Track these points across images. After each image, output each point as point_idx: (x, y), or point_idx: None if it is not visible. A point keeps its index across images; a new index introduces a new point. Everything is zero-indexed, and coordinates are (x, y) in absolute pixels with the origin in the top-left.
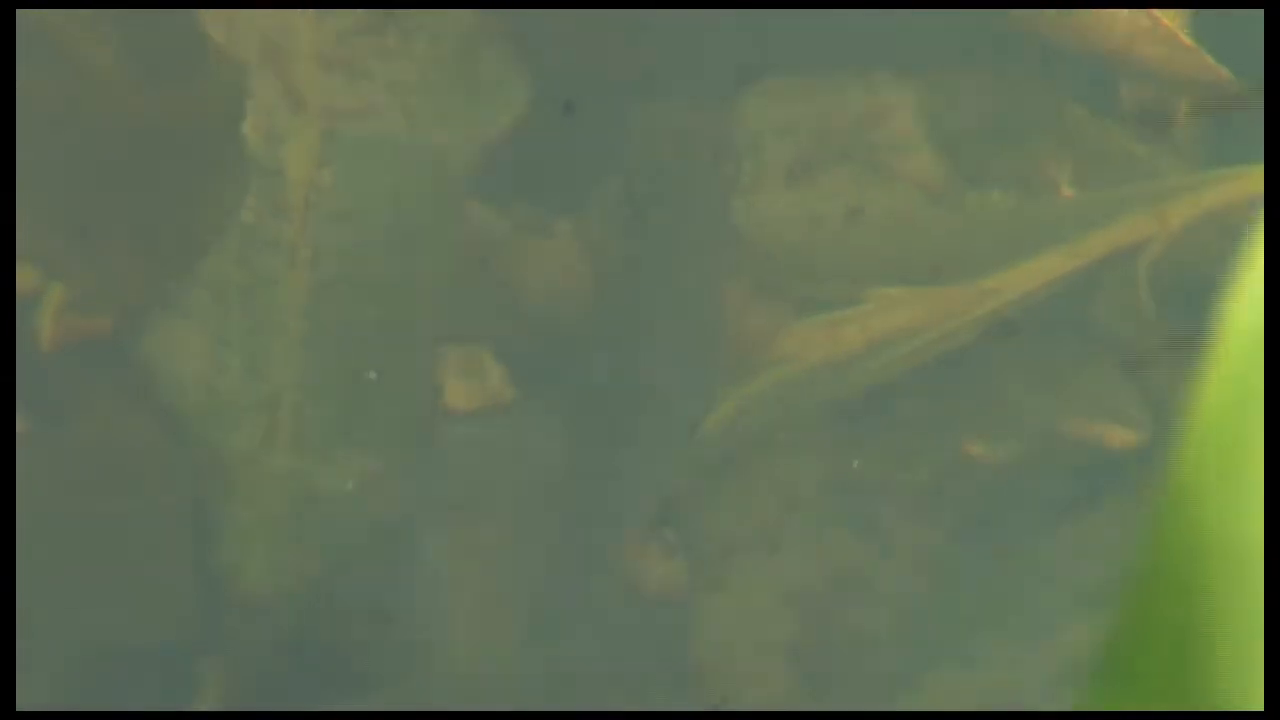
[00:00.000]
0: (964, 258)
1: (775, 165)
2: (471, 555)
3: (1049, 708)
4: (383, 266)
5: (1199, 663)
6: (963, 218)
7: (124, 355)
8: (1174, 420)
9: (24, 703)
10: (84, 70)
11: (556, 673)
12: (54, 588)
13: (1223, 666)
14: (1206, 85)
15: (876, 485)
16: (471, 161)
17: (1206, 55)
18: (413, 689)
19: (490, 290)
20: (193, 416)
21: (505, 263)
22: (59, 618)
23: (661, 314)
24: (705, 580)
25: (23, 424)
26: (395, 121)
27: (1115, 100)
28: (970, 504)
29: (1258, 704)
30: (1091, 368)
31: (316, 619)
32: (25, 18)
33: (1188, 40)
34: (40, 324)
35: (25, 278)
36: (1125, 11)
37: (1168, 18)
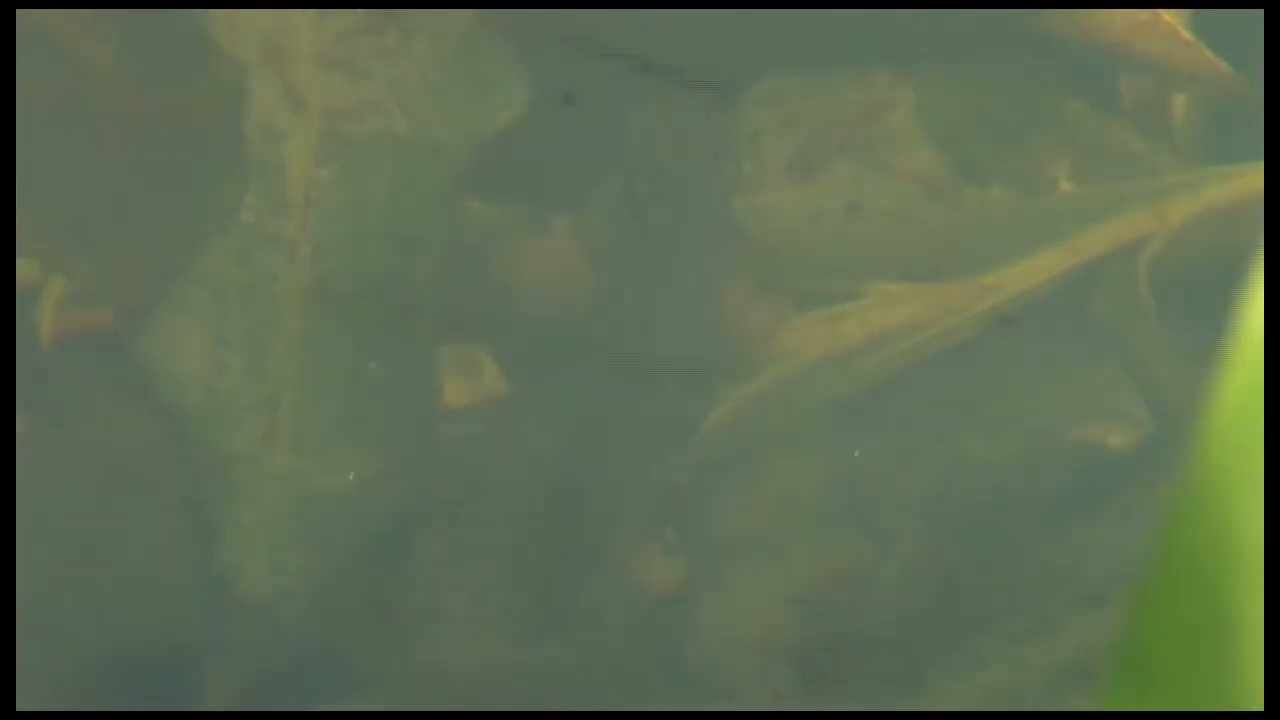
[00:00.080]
0: (964, 254)
1: (775, 161)
2: (470, 554)
3: (1050, 708)
4: (382, 265)
5: (1216, 660)
6: (962, 214)
7: (124, 355)
8: (1173, 419)
9: (24, 703)
10: (84, 70)
11: (555, 672)
12: (54, 588)
13: (1239, 664)
14: (1206, 80)
15: (876, 484)
16: (471, 160)
17: (1206, 50)
18: (412, 689)
19: (488, 287)
20: (193, 416)
21: (503, 260)
22: (59, 618)
23: (660, 311)
24: (705, 579)
25: (23, 423)
26: (395, 120)
27: (1115, 96)
28: (970, 504)
29: (1257, 704)
30: (1091, 365)
31: (317, 619)
32: (25, 18)
33: (1187, 35)
34: (40, 318)
35: (25, 272)
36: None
37: (1168, 13)
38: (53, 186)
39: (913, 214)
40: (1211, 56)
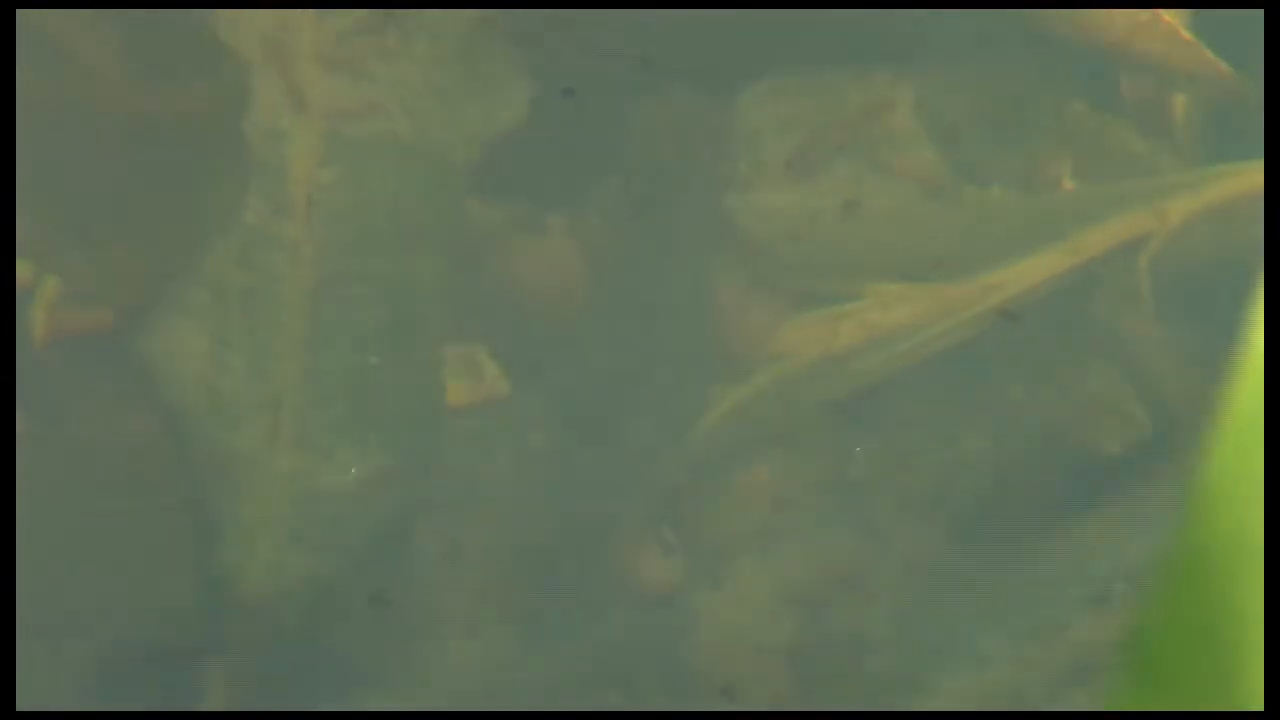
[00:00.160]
0: (963, 253)
1: (774, 160)
2: (469, 553)
3: (1050, 708)
4: (384, 265)
5: (1227, 661)
6: (962, 213)
7: (126, 354)
8: (1172, 418)
9: (24, 703)
10: (84, 70)
11: (554, 671)
12: (55, 587)
13: (1250, 666)
14: (1206, 80)
15: (876, 484)
16: (472, 160)
17: (1206, 50)
18: (412, 688)
19: (487, 286)
20: (194, 416)
21: (502, 259)
22: (59, 618)
23: (659, 310)
24: (703, 578)
25: (23, 423)
26: (396, 121)
27: (1115, 96)
28: (970, 503)
29: (1258, 704)
30: (1091, 364)
31: (318, 618)
32: (25, 18)
33: (1187, 35)
34: (34, 318)
35: (23, 272)
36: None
37: (1168, 13)
38: (53, 187)
39: (912, 214)
40: (1211, 56)
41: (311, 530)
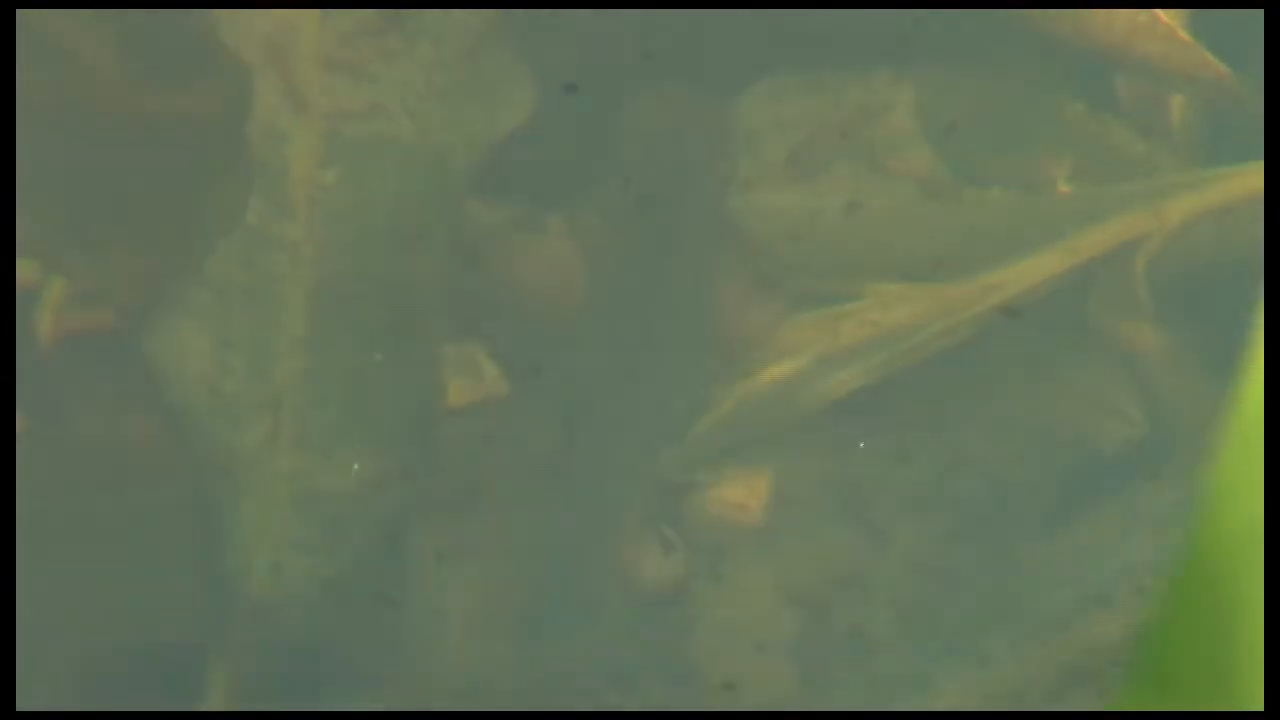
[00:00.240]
0: (962, 254)
1: (774, 161)
2: (468, 552)
3: (1049, 708)
4: (386, 266)
5: (1234, 663)
6: (961, 214)
7: (128, 354)
8: (1170, 418)
9: (24, 703)
10: (84, 70)
11: (553, 670)
12: (55, 587)
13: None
14: (1205, 81)
15: (876, 483)
16: (475, 162)
17: (1205, 51)
18: (413, 688)
19: (487, 286)
20: (196, 416)
21: (501, 258)
22: (60, 618)
23: (659, 310)
24: (704, 577)
25: (24, 422)
26: (398, 122)
27: (1113, 97)
28: (970, 503)
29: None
30: (1089, 364)
31: (319, 618)
32: (25, 18)
33: (1186, 36)
34: (39, 318)
35: (25, 272)
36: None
37: (1167, 14)
38: (54, 187)
39: (912, 214)
40: (1210, 58)
41: (311, 530)
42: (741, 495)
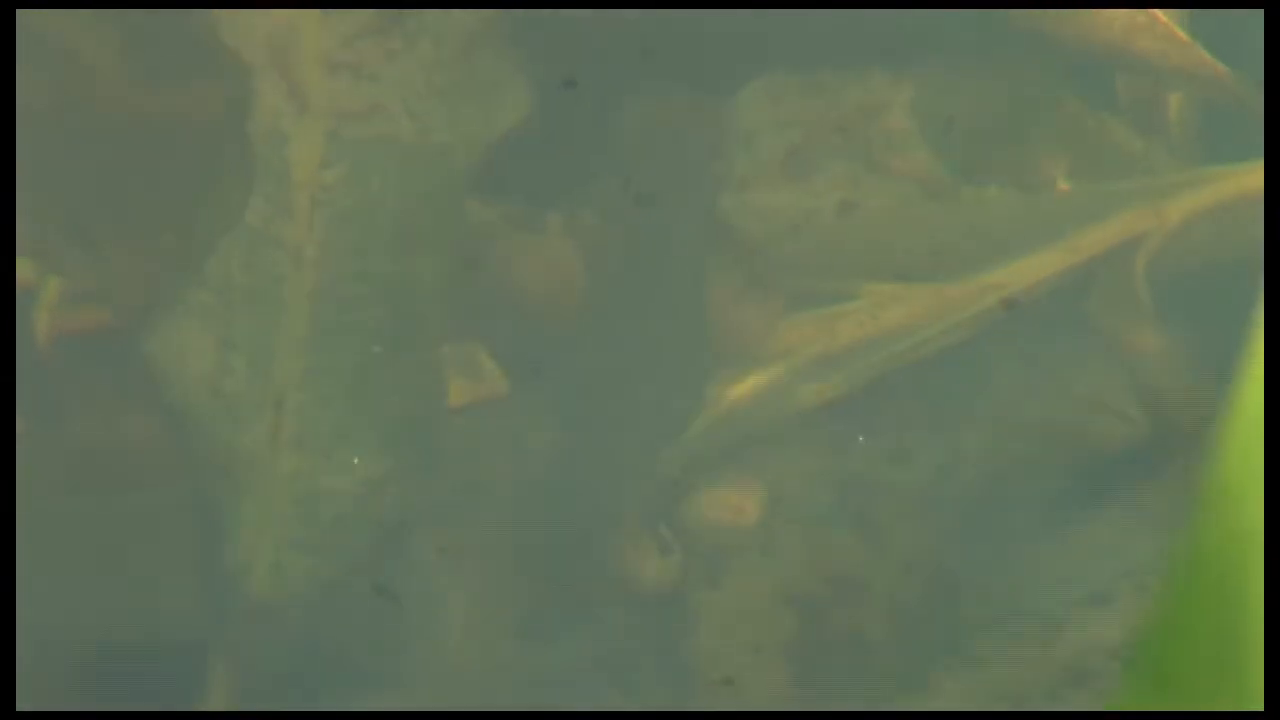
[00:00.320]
0: (961, 253)
1: (770, 160)
2: (468, 552)
3: (1050, 708)
4: (387, 266)
5: (1230, 661)
6: (959, 213)
7: (128, 355)
8: (1168, 418)
9: (25, 703)
10: (84, 70)
11: (552, 670)
12: (55, 587)
13: (1250, 665)
14: (1204, 80)
15: (874, 483)
16: (475, 162)
17: (1203, 50)
18: (413, 688)
19: (485, 285)
20: (196, 416)
21: (501, 259)
22: (60, 618)
23: (656, 309)
24: (701, 577)
25: (24, 422)
26: (399, 123)
27: (1112, 95)
28: (969, 503)
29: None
30: (1088, 363)
31: (319, 618)
32: (25, 18)
33: (1184, 35)
34: (36, 318)
35: (21, 272)
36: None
37: (1165, 14)
38: (54, 188)
39: (909, 213)
40: (1209, 57)
41: (312, 530)
42: (739, 495)
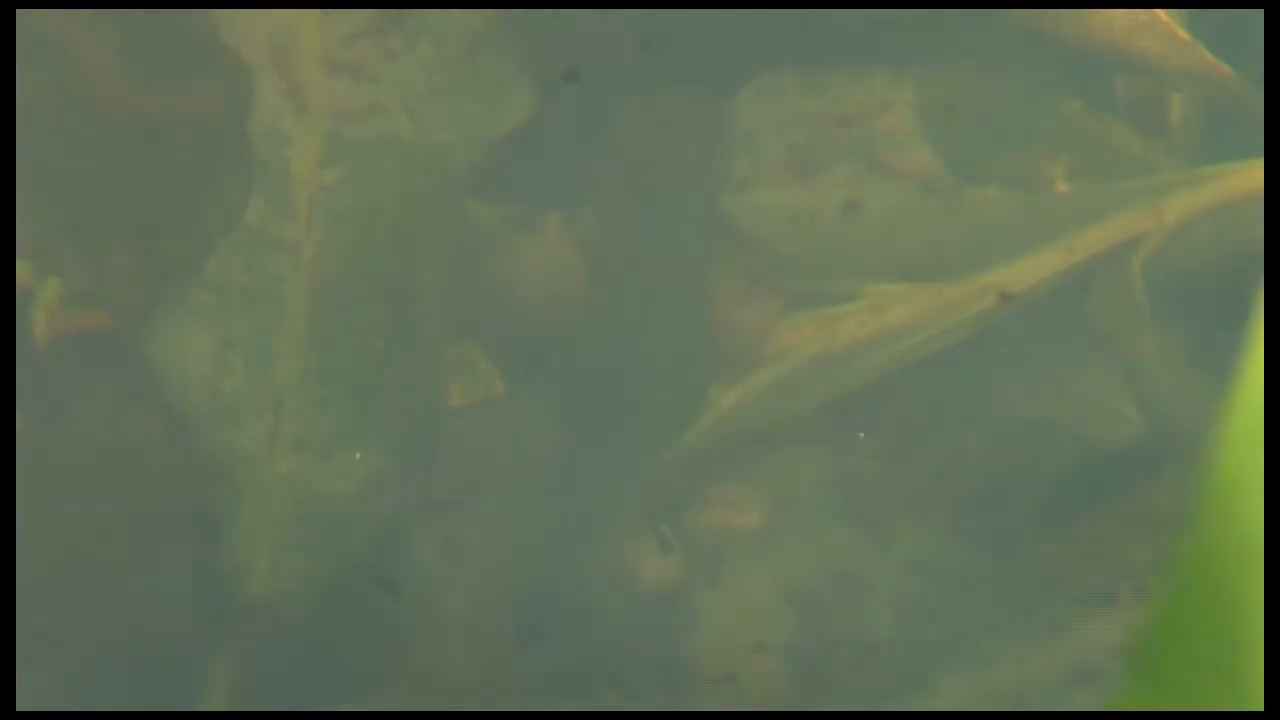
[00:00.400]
0: (961, 252)
1: (772, 160)
2: (469, 552)
3: (1050, 708)
4: (387, 267)
5: (1231, 661)
6: (959, 213)
7: (128, 355)
8: (1167, 418)
9: (24, 703)
10: (84, 70)
11: (552, 670)
12: (55, 587)
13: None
14: (1204, 80)
15: (875, 483)
16: (476, 163)
17: (1204, 50)
18: (413, 688)
19: (485, 285)
20: (196, 417)
21: (501, 259)
22: (60, 618)
23: (657, 309)
24: (702, 577)
25: (24, 422)
26: (400, 123)
27: (1112, 95)
28: (970, 503)
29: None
30: (1087, 363)
31: (319, 618)
32: (25, 18)
33: (1185, 35)
34: (35, 318)
35: (20, 273)
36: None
37: (1165, 13)
38: (54, 188)
39: (910, 213)
40: (1209, 57)
41: (311, 530)
42: (740, 495)
